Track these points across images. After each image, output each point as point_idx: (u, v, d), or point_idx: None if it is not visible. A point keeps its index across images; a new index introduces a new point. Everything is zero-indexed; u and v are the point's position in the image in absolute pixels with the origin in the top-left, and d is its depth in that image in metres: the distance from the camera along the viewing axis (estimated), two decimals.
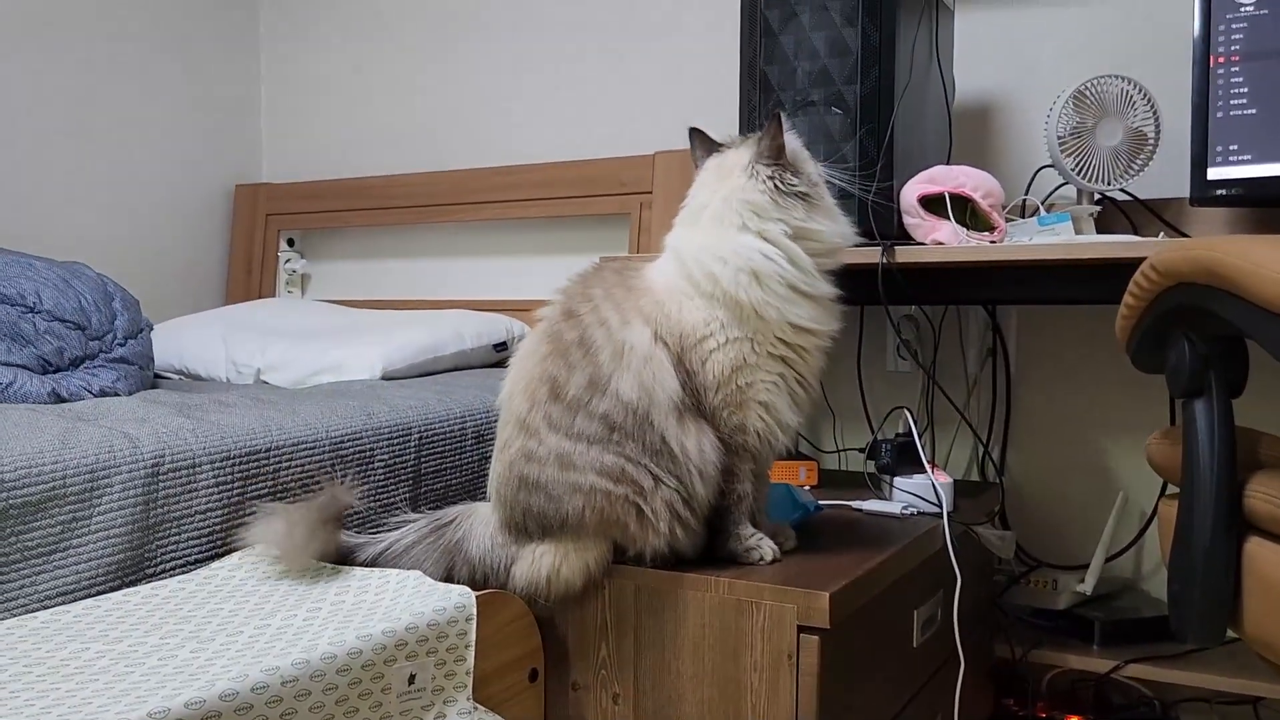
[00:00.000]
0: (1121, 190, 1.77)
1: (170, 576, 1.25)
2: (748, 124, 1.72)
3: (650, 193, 2.27)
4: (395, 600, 1.15)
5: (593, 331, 1.25)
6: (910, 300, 1.74)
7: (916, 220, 1.61)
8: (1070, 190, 1.79)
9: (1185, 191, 1.69)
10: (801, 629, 1.16)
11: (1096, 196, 1.77)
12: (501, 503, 1.29)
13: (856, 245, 1.36)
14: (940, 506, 1.52)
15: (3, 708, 0.86)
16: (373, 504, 1.52)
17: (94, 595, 1.18)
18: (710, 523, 1.29)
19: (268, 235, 2.81)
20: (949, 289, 1.65)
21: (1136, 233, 1.83)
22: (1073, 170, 1.69)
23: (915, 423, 1.63)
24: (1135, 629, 1.74)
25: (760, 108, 1.71)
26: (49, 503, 1.15)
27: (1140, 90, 1.67)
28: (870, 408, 2.12)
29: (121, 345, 1.81)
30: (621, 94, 2.41)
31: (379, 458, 1.54)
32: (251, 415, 1.44)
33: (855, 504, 1.62)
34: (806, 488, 1.73)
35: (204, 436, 1.33)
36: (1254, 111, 1.55)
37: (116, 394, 1.72)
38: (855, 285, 1.39)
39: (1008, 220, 1.67)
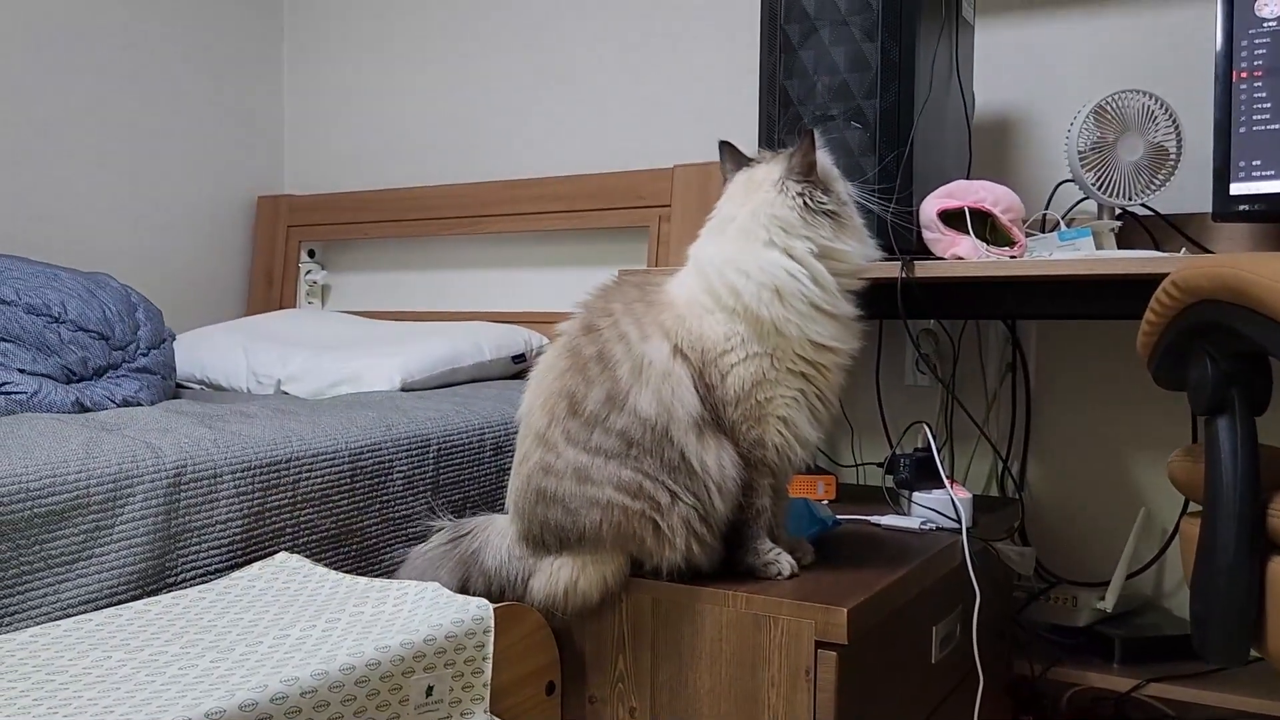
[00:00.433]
0: (1143, 205, 1.76)
1: (191, 586, 1.26)
2: (767, 138, 1.73)
3: (669, 206, 2.27)
4: (413, 612, 1.16)
5: (612, 347, 1.25)
6: (929, 315, 1.73)
7: (936, 235, 1.61)
8: (1091, 205, 1.78)
9: (1207, 207, 1.68)
10: (819, 644, 1.15)
11: (1117, 211, 1.76)
12: (520, 515, 1.29)
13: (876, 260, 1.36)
14: (959, 522, 1.51)
15: (26, 716, 0.86)
16: (391, 515, 1.52)
17: (116, 604, 1.19)
18: (728, 537, 1.29)
19: (289, 246, 2.83)
20: (968, 304, 1.65)
21: (1158, 248, 1.82)
22: (1094, 185, 1.69)
23: (934, 437, 1.62)
24: (1156, 647, 1.73)
25: (779, 122, 1.71)
26: (72, 512, 1.17)
27: (1162, 105, 1.67)
28: (889, 422, 2.11)
29: (144, 355, 1.83)
30: (641, 107, 2.42)
31: (398, 469, 1.54)
32: (272, 426, 1.45)
33: (874, 519, 1.62)
34: (825, 502, 1.73)
35: (225, 447, 1.34)
36: (1277, 127, 1.54)
37: (139, 404, 1.74)
38: (874, 299, 1.39)
39: (1028, 235, 1.67)
